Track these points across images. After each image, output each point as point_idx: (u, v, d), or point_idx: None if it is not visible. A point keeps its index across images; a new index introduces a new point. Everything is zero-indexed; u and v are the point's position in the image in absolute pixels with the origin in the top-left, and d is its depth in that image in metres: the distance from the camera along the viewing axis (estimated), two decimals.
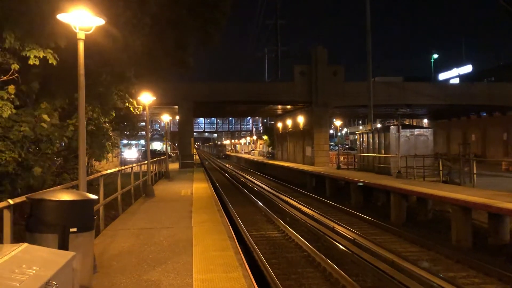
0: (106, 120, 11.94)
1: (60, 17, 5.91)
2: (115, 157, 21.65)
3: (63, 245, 4.42)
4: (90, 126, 10.56)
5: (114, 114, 12.05)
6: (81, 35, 5.99)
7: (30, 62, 7.77)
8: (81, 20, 5.89)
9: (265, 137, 63.29)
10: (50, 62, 7.91)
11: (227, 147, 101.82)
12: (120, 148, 29.34)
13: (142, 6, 9.87)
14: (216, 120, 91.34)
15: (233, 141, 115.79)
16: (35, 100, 9.05)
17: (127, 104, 13.13)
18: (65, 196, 4.79)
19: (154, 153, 41.05)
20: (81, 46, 6.03)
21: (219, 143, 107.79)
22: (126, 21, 9.09)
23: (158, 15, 10.90)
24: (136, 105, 14.51)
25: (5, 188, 7.97)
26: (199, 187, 18.60)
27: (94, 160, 12.99)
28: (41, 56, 7.79)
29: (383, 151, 23.88)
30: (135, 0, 9.63)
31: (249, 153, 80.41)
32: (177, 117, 39.06)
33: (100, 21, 6.06)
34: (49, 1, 7.07)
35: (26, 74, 8.51)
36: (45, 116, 8.47)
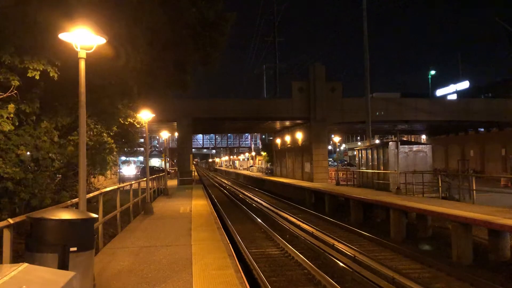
0: (110, 133, 11.94)
1: (62, 36, 5.95)
2: (113, 174, 21.56)
3: (63, 265, 4.38)
4: (93, 142, 10.53)
5: (116, 129, 12.06)
6: (82, 54, 6.02)
7: (29, 74, 7.56)
8: (82, 39, 5.92)
9: (263, 153, 63.23)
10: (51, 75, 7.77)
11: (217, 163, 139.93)
12: (119, 165, 29.21)
13: (140, 24, 9.95)
14: (215, 137, 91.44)
15: (231, 157, 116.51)
16: (36, 118, 9.02)
17: (129, 120, 13.15)
18: (65, 215, 4.77)
19: (153, 170, 40.80)
20: (82, 64, 6.06)
21: (210, 160, 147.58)
22: (126, 39, 9.15)
23: (157, 34, 10.99)
24: (138, 119, 14.58)
25: (4, 206, 7.91)
26: (198, 204, 18.53)
27: (98, 174, 12.97)
28: (41, 69, 7.62)
29: (382, 167, 23.90)
30: (132, 18, 9.70)
31: (247, 169, 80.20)
32: (176, 134, 39.09)
33: (101, 40, 6.09)
34: (48, 19, 7.10)
35: (27, 92, 8.49)
36: (45, 138, 8.41)
